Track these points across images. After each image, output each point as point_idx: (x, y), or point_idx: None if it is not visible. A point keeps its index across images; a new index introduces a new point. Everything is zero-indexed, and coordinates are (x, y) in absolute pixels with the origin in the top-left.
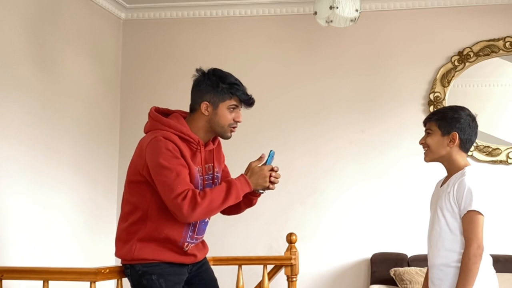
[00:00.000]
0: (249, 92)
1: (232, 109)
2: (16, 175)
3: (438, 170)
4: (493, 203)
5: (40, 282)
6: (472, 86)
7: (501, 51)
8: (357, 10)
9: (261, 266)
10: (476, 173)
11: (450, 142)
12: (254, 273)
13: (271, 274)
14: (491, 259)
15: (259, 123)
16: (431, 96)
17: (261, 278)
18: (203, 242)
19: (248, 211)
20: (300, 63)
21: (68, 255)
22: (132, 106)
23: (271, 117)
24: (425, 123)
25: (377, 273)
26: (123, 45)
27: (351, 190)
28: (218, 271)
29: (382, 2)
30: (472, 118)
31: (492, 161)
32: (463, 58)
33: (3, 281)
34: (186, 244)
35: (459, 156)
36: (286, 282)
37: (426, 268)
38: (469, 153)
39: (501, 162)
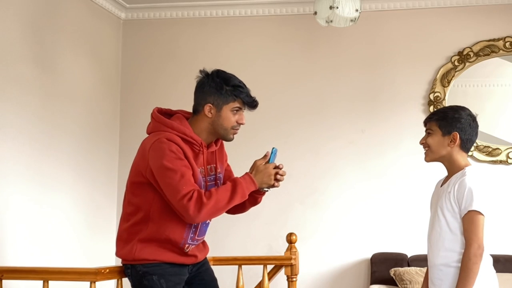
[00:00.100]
0: (252, 94)
1: (235, 111)
2: (16, 175)
3: (438, 170)
4: (493, 203)
5: (40, 282)
6: (472, 86)
7: (501, 51)
8: (357, 10)
9: (261, 266)
10: (477, 173)
11: (451, 142)
12: (254, 273)
13: (271, 274)
14: (491, 259)
15: (259, 123)
16: (431, 96)
17: (261, 278)
18: (203, 242)
19: (248, 211)
20: (300, 63)
21: (68, 255)
22: (132, 106)
23: (271, 117)
24: (426, 123)
25: (377, 273)
26: (123, 45)
27: (351, 190)
28: (218, 271)
29: (382, 2)
30: (473, 118)
31: (492, 161)
32: (463, 58)
33: (3, 281)
34: (187, 245)
35: (460, 156)
36: (286, 282)
37: (426, 268)
38: (469, 153)
39: (501, 162)
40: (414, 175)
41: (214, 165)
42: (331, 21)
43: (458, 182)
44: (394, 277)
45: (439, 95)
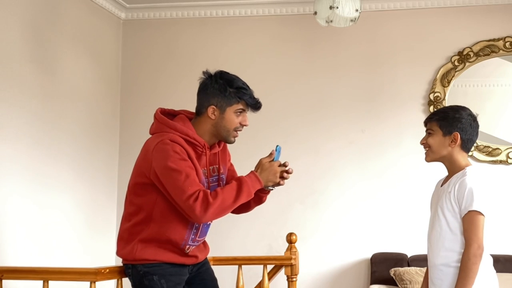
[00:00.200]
0: (255, 95)
1: (239, 113)
2: (16, 175)
3: (438, 169)
4: (493, 203)
5: (40, 282)
6: (472, 86)
7: (501, 51)
8: (357, 10)
9: (261, 266)
10: (477, 173)
11: (451, 142)
12: (254, 273)
13: (271, 274)
14: (491, 259)
15: (258, 123)
16: (431, 96)
17: (261, 278)
18: (204, 242)
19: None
20: (300, 63)
21: (68, 255)
22: (132, 106)
23: (271, 117)
24: (426, 123)
25: (377, 273)
26: (123, 45)
27: (351, 190)
28: (218, 271)
29: (382, 2)
30: (473, 118)
31: (492, 161)
32: (463, 58)
33: (3, 281)
34: (187, 246)
35: (460, 156)
36: (286, 282)
37: (426, 268)
38: (469, 153)
39: (501, 162)
40: (414, 175)
41: (217, 166)
42: (331, 21)
43: (459, 182)
44: (394, 277)
45: (439, 95)
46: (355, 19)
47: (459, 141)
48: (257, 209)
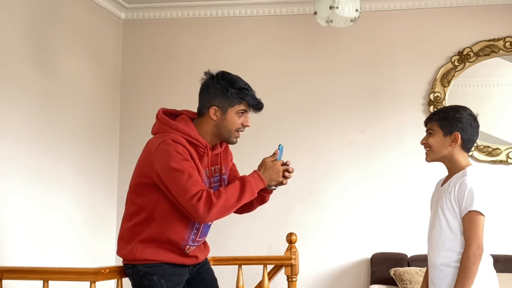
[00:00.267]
0: (260, 97)
1: (241, 114)
2: (16, 175)
3: (438, 169)
4: (493, 203)
5: (40, 282)
6: (472, 86)
7: (501, 51)
8: (357, 10)
9: (261, 266)
10: (477, 173)
11: (452, 142)
12: (254, 273)
13: (271, 274)
14: (491, 259)
15: (258, 123)
16: (431, 96)
17: (261, 278)
18: (204, 243)
19: None
20: (300, 63)
21: (68, 255)
22: (132, 106)
23: (271, 117)
24: (426, 123)
25: (377, 273)
26: (123, 45)
27: (351, 190)
28: (218, 271)
29: (382, 2)
30: (474, 118)
31: (492, 161)
32: (463, 58)
33: (3, 281)
34: (188, 247)
35: (461, 156)
36: (286, 282)
37: (426, 268)
38: (469, 153)
39: (501, 162)
40: (414, 175)
41: (219, 166)
42: (331, 21)
43: (459, 182)
44: (394, 277)
45: (439, 95)
46: (355, 19)
47: (459, 141)
48: (257, 209)
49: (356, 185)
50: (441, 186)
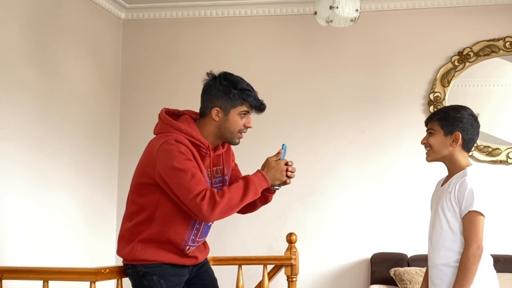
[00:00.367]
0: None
1: (243, 115)
2: (16, 175)
3: (438, 169)
4: (494, 203)
5: (40, 282)
6: (472, 86)
7: (501, 51)
8: (357, 10)
9: (261, 266)
10: (478, 173)
11: (453, 142)
12: (254, 273)
13: (271, 274)
14: (491, 259)
15: (259, 123)
16: (431, 96)
17: (261, 278)
18: (204, 243)
19: None
20: (300, 63)
21: (68, 254)
22: (132, 106)
23: (271, 117)
24: (427, 122)
25: (377, 273)
26: (123, 45)
27: (351, 190)
28: (218, 271)
29: (382, 2)
30: (474, 118)
31: (492, 161)
32: (463, 58)
33: (3, 281)
34: (187, 247)
35: (461, 156)
36: (286, 282)
37: (426, 268)
38: (469, 153)
39: (501, 162)
40: (414, 175)
41: (221, 167)
42: (331, 21)
43: (459, 182)
44: (394, 277)
45: (439, 95)
46: (355, 19)
47: (460, 141)
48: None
49: (356, 185)
50: (441, 186)
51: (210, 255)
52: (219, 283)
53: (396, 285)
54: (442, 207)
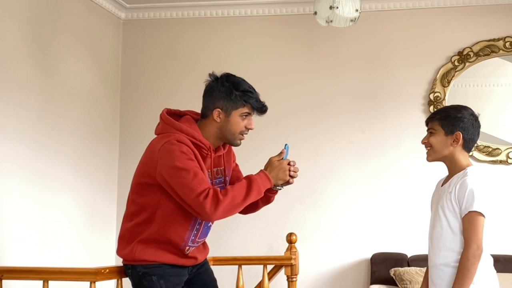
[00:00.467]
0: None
1: (244, 117)
2: (16, 175)
3: (438, 169)
4: (494, 203)
5: (40, 282)
6: (472, 86)
7: (501, 51)
8: (357, 10)
9: (261, 266)
10: (478, 173)
11: (453, 141)
12: (254, 273)
13: (271, 274)
14: (492, 260)
15: (259, 123)
16: (431, 96)
17: (261, 278)
18: (204, 243)
19: None
20: (300, 63)
21: (68, 254)
22: (132, 106)
23: (271, 117)
24: (428, 122)
25: (377, 273)
26: (123, 45)
27: (351, 190)
28: (218, 271)
29: (382, 2)
30: (475, 118)
31: (492, 161)
32: (463, 58)
33: (3, 281)
34: (187, 247)
35: (462, 156)
36: (286, 282)
37: (426, 268)
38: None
39: (501, 162)
40: (414, 175)
41: (222, 167)
42: (331, 21)
43: (460, 182)
44: (394, 277)
45: (439, 95)
46: (355, 19)
47: (461, 140)
48: None
49: (356, 185)
50: (442, 186)
51: (210, 255)
52: (219, 283)
53: (396, 285)
54: (443, 207)
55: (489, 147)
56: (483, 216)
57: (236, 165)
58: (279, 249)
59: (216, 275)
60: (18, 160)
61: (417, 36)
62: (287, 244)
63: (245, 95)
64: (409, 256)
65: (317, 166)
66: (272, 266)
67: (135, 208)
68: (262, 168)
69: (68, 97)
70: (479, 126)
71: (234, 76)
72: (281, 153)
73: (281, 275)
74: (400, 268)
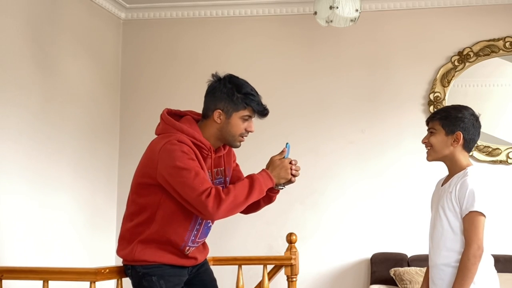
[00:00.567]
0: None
1: (245, 119)
2: (16, 175)
3: (438, 169)
4: (494, 203)
5: (40, 282)
6: (472, 86)
7: (501, 51)
8: (357, 10)
9: (261, 266)
10: (478, 173)
11: (454, 141)
12: (254, 273)
13: (271, 274)
14: (492, 260)
15: (259, 123)
16: (431, 96)
17: (261, 278)
18: (204, 244)
19: None
20: (300, 63)
21: (68, 254)
22: (132, 107)
23: (271, 117)
24: (428, 122)
25: (377, 273)
26: (123, 45)
27: (351, 190)
28: (218, 271)
29: (382, 2)
30: (476, 118)
31: (492, 161)
32: (463, 58)
33: (3, 281)
34: (187, 248)
35: (462, 156)
36: (286, 282)
37: (426, 268)
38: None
39: (501, 162)
40: (414, 175)
41: (222, 168)
42: (331, 21)
43: (460, 182)
44: (394, 277)
45: (439, 95)
46: (355, 19)
47: (461, 140)
48: None
49: (356, 185)
50: (442, 185)
51: (210, 255)
52: (219, 283)
53: (396, 285)
54: (443, 207)
55: (489, 147)
56: (484, 216)
57: (237, 165)
58: (279, 249)
59: (216, 275)
60: (18, 160)
61: (417, 36)
62: (287, 244)
63: (247, 97)
64: (409, 256)
65: (317, 166)
66: (272, 266)
67: (135, 208)
68: (263, 167)
69: (68, 97)
70: (479, 126)
71: (237, 77)
72: (282, 152)
73: (281, 275)
74: (400, 268)
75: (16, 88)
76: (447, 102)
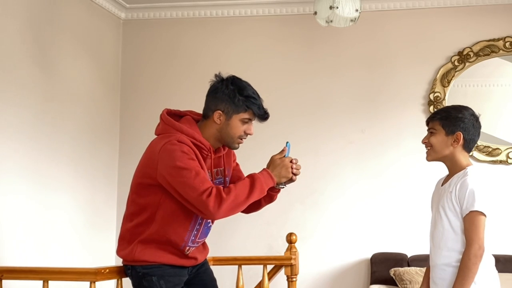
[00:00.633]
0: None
1: (245, 122)
2: (16, 175)
3: (438, 169)
4: (494, 203)
5: (40, 282)
6: (472, 86)
7: (501, 51)
8: (357, 10)
9: (261, 266)
10: (478, 173)
11: (454, 142)
12: (254, 273)
13: (271, 274)
14: (493, 259)
15: (258, 123)
16: (431, 96)
17: (261, 278)
18: (204, 244)
19: None
20: (300, 63)
21: (68, 254)
22: (132, 106)
23: (271, 117)
24: (428, 122)
25: (377, 273)
26: (123, 45)
27: (351, 190)
28: (218, 271)
29: (382, 2)
30: (476, 118)
31: (492, 161)
32: (463, 58)
33: (3, 281)
34: (187, 248)
35: (462, 156)
36: (286, 282)
37: (426, 267)
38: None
39: (501, 162)
40: (414, 175)
41: (222, 168)
42: (331, 21)
43: (460, 182)
44: (394, 277)
45: (439, 95)
46: (355, 19)
47: (461, 141)
48: None
49: (356, 185)
50: (442, 185)
51: (210, 255)
52: (219, 283)
53: (396, 285)
54: (443, 207)
55: (489, 147)
56: (484, 215)
57: (237, 164)
58: (279, 249)
59: (216, 275)
60: (18, 160)
61: (417, 36)
62: (287, 244)
63: (248, 100)
64: (409, 256)
65: (317, 166)
66: (272, 266)
67: (135, 209)
68: (263, 167)
69: (68, 97)
70: (479, 126)
71: (239, 79)
72: (282, 151)
73: (281, 275)
74: (400, 268)
75: (16, 88)
76: (447, 102)
